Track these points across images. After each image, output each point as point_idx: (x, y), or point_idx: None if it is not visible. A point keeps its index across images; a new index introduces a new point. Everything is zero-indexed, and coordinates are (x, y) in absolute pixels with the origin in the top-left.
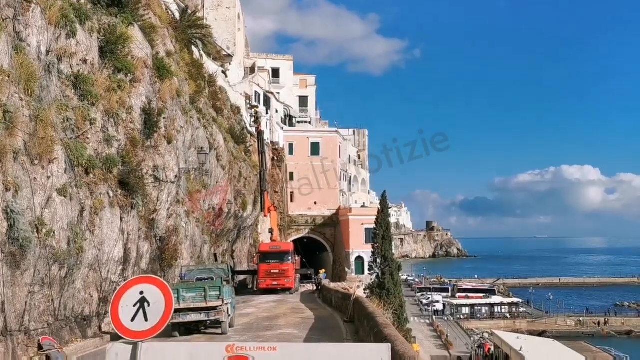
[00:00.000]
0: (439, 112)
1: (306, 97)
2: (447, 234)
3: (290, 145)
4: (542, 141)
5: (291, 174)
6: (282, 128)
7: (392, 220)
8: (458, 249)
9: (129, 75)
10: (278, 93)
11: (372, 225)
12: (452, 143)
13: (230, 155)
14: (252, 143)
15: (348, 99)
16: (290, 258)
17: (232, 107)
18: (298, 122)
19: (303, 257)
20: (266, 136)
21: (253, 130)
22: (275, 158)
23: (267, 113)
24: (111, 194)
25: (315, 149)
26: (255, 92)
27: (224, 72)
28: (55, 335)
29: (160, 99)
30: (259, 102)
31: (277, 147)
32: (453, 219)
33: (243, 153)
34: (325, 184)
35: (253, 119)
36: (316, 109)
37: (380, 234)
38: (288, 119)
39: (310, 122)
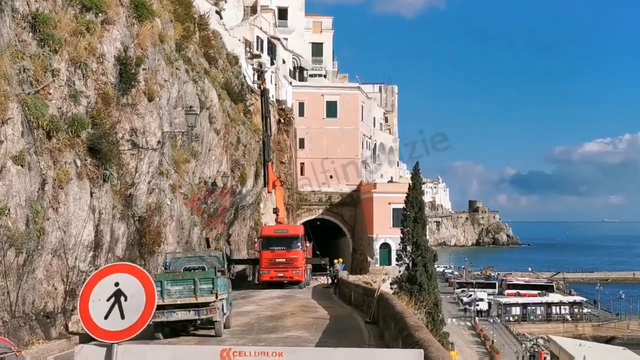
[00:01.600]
0: (487, 64)
1: (321, 44)
2: (494, 217)
3: (301, 105)
4: (615, 102)
5: (301, 141)
6: (291, 83)
7: (427, 199)
8: (508, 235)
9: (100, 15)
10: (286, 39)
11: (402, 205)
12: (502, 99)
13: (225, 116)
14: (254, 102)
15: (373, 47)
16: (299, 244)
17: (228, 57)
18: (310, 75)
19: (315, 243)
20: (271, 93)
21: (255, 86)
22: (282, 120)
23: (272, 64)
24: (79, 163)
25: (331, 109)
26: (258, 37)
27: (218, 13)
28: (12, 336)
29: (139, 46)
30: (261, 50)
31: (284, 106)
32: (502, 198)
33: (242, 114)
34: (343, 153)
35: (256, 74)
36: (333, 60)
37: (412, 215)
38: (298, 72)
39: (325, 76)
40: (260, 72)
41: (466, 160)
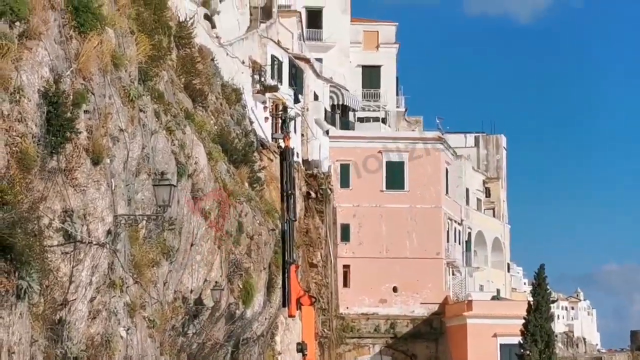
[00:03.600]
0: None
1: (377, 68)
2: None
3: (344, 168)
4: None
5: (345, 229)
6: (327, 132)
7: (559, 327)
8: None
9: (18, 24)
10: (319, 60)
11: (516, 339)
12: None
13: (220, 188)
14: (267, 163)
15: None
16: None
17: (224, 90)
18: (360, 119)
19: None
20: (295, 149)
21: (268, 138)
22: (313, 195)
23: (296, 101)
24: None
25: (395, 175)
26: (273, 58)
27: (208, 18)
28: None
29: (80, 73)
30: (279, 79)
31: (316, 171)
32: None
33: (247, 184)
34: (416, 250)
35: (272, 118)
36: (398, 94)
37: (534, 358)
38: (340, 114)
39: (385, 121)
40: (278, 118)
41: (625, 262)
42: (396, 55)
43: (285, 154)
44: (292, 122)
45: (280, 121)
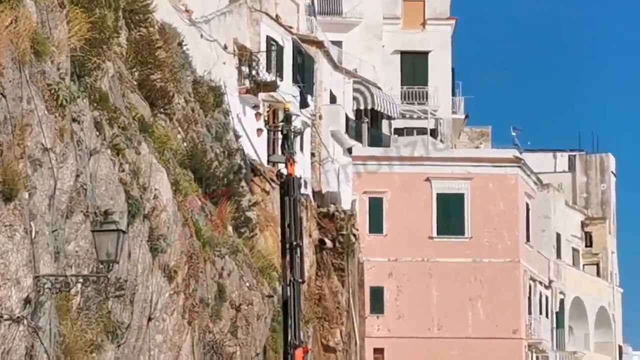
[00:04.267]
0: None
1: (424, 55)
2: None
3: (375, 204)
4: None
5: (376, 294)
6: (350, 150)
7: None
8: None
9: None
10: (338, 44)
11: None
12: None
13: (191, 234)
14: (259, 199)
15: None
16: None
17: (197, 88)
18: (399, 130)
19: None
20: (301, 176)
21: (262, 161)
22: (330, 243)
23: (303, 105)
24: None
25: (450, 214)
26: (270, 40)
27: None
28: None
29: None
30: (278, 73)
31: (333, 209)
32: None
33: (231, 228)
34: (482, 326)
35: (267, 130)
36: (454, 92)
37: None
38: (369, 121)
39: (435, 134)
40: (277, 131)
41: None
42: (452, 36)
43: (288, 186)
44: (299, 138)
45: (280, 136)
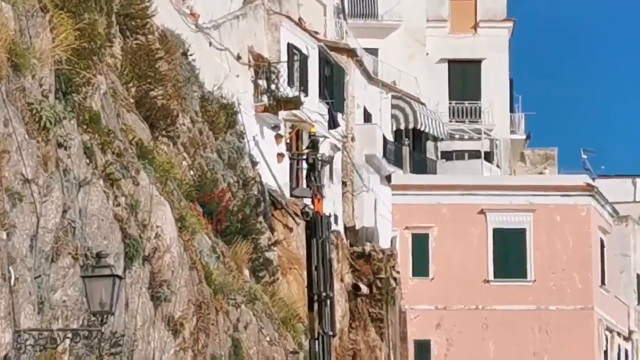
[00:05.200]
0: None
1: (476, 64)
2: None
3: (419, 242)
4: None
5: (422, 348)
6: (388, 178)
7: None
8: None
9: None
10: (373, 52)
11: None
12: None
13: (199, 280)
14: (281, 237)
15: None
16: None
17: (206, 106)
18: (447, 154)
19: None
20: (331, 212)
21: (283, 187)
22: (366, 289)
23: (331, 125)
24: None
25: (509, 253)
26: (292, 48)
27: None
28: None
29: None
30: (302, 85)
31: (369, 247)
32: None
33: (248, 272)
34: None
35: (299, 160)
36: (512, 108)
37: None
38: (411, 143)
39: (491, 157)
40: (301, 159)
41: None
42: (509, 40)
43: (315, 227)
44: (327, 167)
45: (304, 165)
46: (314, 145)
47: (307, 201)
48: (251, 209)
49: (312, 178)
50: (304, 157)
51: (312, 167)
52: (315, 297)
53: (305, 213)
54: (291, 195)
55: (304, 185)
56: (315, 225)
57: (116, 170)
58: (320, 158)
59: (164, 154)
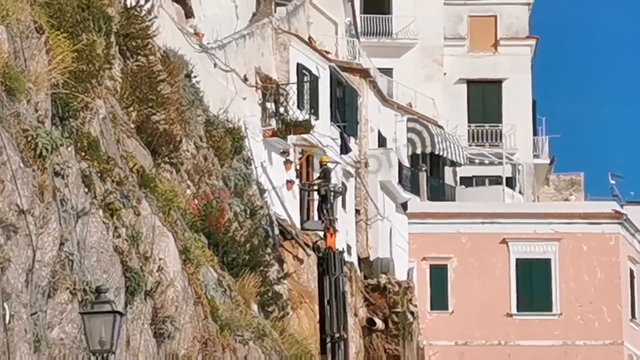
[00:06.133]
0: None
1: (496, 84)
2: None
3: (438, 274)
4: None
5: None
6: (405, 205)
7: None
8: None
9: None
10: (387, 72)
11: None
12: None
13: (204, 315)
14: (292, 269)
15: None
16: None
17: (211, 130)
18: (466, 180)
19: None
20: (344, 243)
21: (294, 216)
22: (381, 323)
23: (343, 151)
24: None
25: (533, 284)
26: (302, 69)
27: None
28: None
29: None
30: (312, 108)
31: (384, 279)
32: None
33: (256, 307)
34: None
35: (311, 191)
36: (536, 131)
37: None
38: (428, 169)
39: (513, 183)
40: (312, 190)
41: None
42: (532, 59)
43: (327, 263)
44: (340, 198)
45: (316, 197)
46: (325, 175)
47: (320, 233)
48: (259, 240)
49: (324, 211)
50: (316, 188)
51: (324, 199)
52: (328, 339)
53: (317, 248)
54: (302, 229)
55: (316, 218)
56: (327, 262)
57: (116, 199)
58: (332, 189)
59: (166, 182)
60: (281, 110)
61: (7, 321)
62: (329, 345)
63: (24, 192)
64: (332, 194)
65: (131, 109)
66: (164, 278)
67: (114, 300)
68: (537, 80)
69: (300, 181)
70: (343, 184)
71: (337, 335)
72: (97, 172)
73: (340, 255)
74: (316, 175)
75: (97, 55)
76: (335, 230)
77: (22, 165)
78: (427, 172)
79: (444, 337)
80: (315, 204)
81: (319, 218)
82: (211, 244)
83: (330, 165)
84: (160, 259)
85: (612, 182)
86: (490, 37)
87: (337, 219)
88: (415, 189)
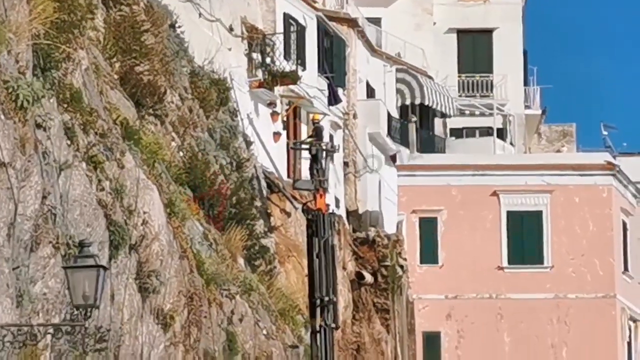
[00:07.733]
0: None
1: (486, 34)
2: None
3: (427, 226)
4: None
5: (432, 341)
6: (394, 158)
7: None
8: None
9: None
10: (375, 22)
11: None
12: None
13: (189, 269)
14: (279, 223)
15: None
16: None
17: (196, 82)
18: (456, 131)
19: None
20: (334, 197)
21: (281, 168)
22: (370, 277)
23: (331, 101)
24: None
25: (525, 237)
26: (288, 19)
27: None
28: None
29: None
30: (299, 58)
31: (373, 233)
32: None
33: (243, 261)
34: None
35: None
36: (527, 81)
37: None
38: (417, 121)
39: (504, 134)
40: (302, 147)
41: None
42: (523, 8)
43: (317, 225)
44: (330, 157)
45: (305, 155)
46: (317, 134)
47: (308, 198)
48: (246, 193)
49: (315, 171)
50: (307, 146)
51: (314, 159)
52: (318, 302)
53: (307, 210)
54: (294, 189)
55: (305, 175)
56: (317, 224)
57: (99, 152)
58: (324, 148)
59: (151, 134)
60: (267, 61)
61: None
62: (318, 309)
63: (5, 144)
64: (324, 153)
65: (114, 59)
66: (148, 232)
67: (98, 254)
68: (528, 30)
69: (287, 133)
70: (331, 136)
71: (326, 298)
72: (79, 124)
73: (330, 217)
74: (304, 129)
75: (79, 4)
76: (325, 191)
77: (3, 117)
78: (416, 124)
79: (433, 290)
80: (306, 158)
81: (312, 175)
82: (196, 197)
83: (322, 124)
84: (144, 213)
85: (605, 133)
86: None
87: (327, 180)
88: (404, 141)
